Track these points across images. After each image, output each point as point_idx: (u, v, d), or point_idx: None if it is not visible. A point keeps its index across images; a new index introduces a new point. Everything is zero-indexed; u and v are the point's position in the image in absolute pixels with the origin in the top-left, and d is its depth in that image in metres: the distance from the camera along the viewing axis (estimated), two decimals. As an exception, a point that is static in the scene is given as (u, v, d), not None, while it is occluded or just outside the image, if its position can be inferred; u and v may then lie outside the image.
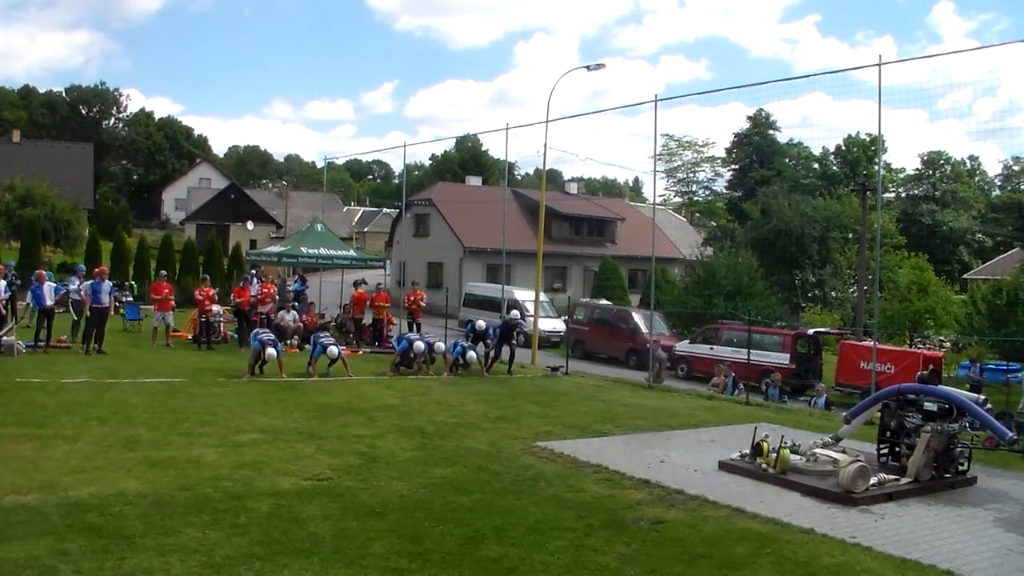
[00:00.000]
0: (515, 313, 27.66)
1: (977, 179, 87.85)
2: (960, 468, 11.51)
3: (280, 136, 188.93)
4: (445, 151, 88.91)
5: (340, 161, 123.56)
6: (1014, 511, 10.28)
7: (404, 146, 56.19)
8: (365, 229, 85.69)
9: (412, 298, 27.14)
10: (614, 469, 11.22)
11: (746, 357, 23.10)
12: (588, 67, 29.02)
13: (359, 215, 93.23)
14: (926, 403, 11.76)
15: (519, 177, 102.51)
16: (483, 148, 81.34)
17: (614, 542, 8.21)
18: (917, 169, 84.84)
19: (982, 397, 15.06)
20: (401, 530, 8.23)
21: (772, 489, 10.64)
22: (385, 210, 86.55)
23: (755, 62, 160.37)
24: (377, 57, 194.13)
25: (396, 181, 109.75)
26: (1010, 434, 12.06)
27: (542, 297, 32.20)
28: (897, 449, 11.77)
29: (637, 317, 33.17)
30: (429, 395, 17.47)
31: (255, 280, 25.61)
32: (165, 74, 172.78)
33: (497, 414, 15.60)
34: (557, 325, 35.44)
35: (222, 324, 25.03)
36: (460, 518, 8.72)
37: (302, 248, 28.81)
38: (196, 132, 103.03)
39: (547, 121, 27.84)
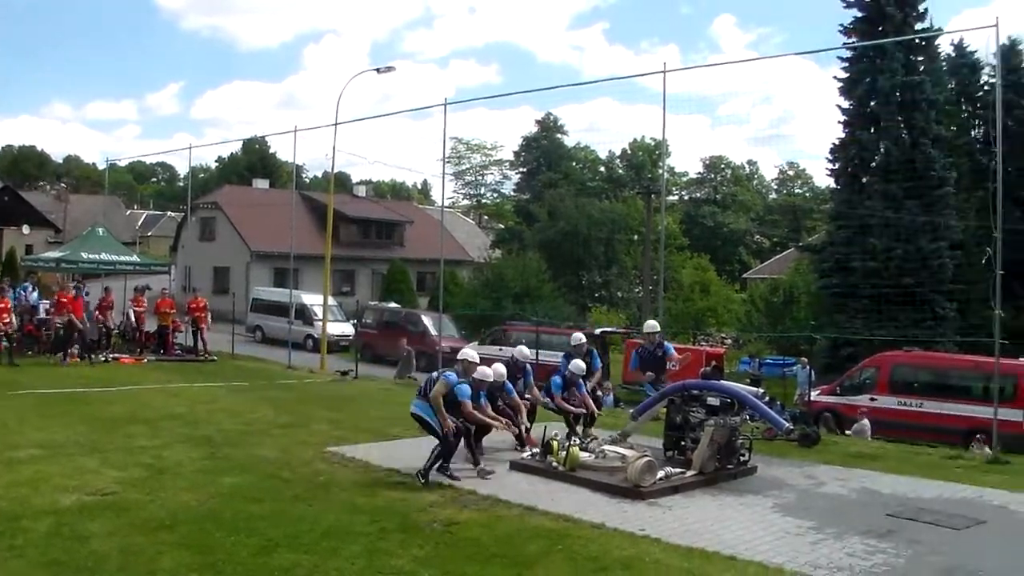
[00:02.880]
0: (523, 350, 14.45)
1: (755, 183, 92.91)
2: (741, 459, 11.85)
3: (59, 136, 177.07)
4: (232, 153, 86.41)
5: (123, 163, 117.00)
6: (791, 497, 10.64)
7: (190, 148, 54.25)
8: (149, 233, 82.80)
9: (193, 306, 25.91)
10: (406, 472, 11.00)
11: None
12: (378, 70, 28.92)
13: (143, 219, 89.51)
14: (709, 398, 12.07)
15: (307, 180, 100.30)
16: (271, 151, 79.51)
17: (408, 545, 8.06)
18: (699, 173, 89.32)
19: (761, 391, 15.71)
20: (191, 543, 7.87)
21: (563, 486, 10.63)
22: (170, 213, 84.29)
23: (544, 67, 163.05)
24: (162, 57, 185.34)
25: (181, 184, 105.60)
26: (787, 424, 12.55)
27: (331, 301, 31.81)
28: (683, 443, 12.00)
29: (426, 320, 33.27)
30: (217, 403, 16.84)
31: (32, 289, 24.20)
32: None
33: (287, 420, 15.20)
34: (346, 329, 35.09)
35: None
36: (252, 527, 8.39)
37: (82, 253, 27.66)
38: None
39: (336, 124, 27.48)
